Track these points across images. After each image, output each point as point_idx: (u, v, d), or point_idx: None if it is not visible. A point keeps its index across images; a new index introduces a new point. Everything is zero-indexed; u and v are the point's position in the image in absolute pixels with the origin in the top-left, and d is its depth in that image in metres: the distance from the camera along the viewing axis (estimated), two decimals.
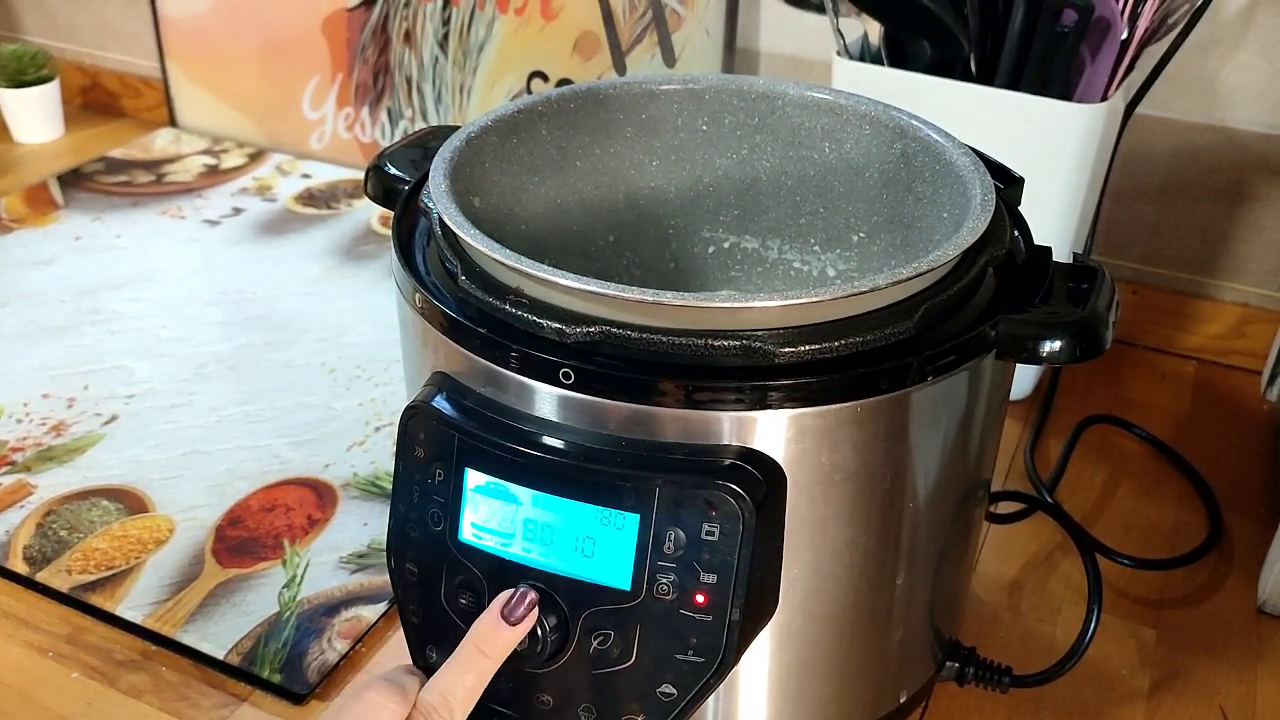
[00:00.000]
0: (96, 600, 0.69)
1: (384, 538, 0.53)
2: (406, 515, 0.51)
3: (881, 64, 0.79)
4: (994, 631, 0.67)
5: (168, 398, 0.87)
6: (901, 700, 0.57)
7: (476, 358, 0.48)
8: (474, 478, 0.48)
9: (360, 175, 1.09)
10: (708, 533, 0.45)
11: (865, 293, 0.44)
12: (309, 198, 1.17)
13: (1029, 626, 0.68)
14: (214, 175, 1.21)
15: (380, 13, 1.16)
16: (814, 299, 0.44)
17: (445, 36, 1.14)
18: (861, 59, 0.81)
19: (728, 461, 0.45)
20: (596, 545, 0.46)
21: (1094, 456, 0.82)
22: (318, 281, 1.02)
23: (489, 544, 0.49)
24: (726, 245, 0.66)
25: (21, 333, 0.94)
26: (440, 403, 0.49)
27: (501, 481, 0.47)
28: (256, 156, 1.25)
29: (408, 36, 1.16)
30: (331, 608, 0.68)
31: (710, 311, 0.44)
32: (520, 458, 0.47)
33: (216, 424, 0.84)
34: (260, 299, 0.99)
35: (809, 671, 0.53)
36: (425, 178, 0.53)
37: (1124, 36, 0.73)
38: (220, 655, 0.65)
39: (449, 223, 0.49)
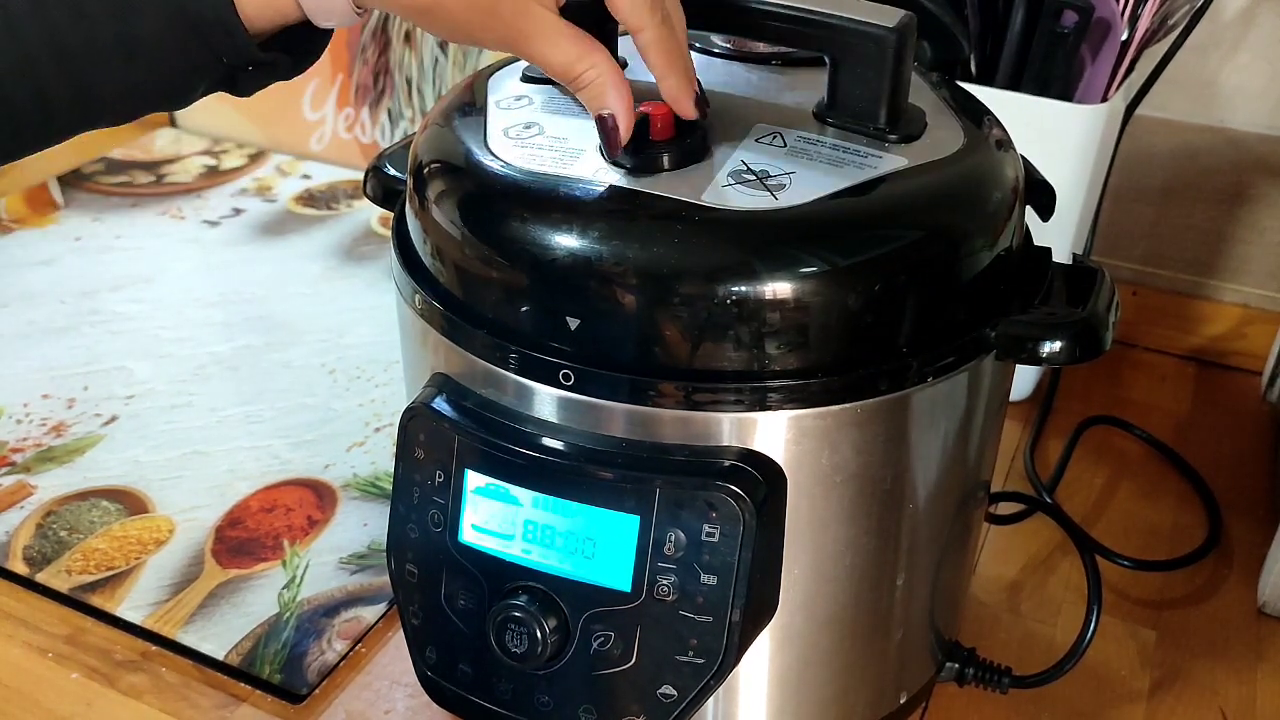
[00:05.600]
0: (96, 601, 0.69)
1: (384, 539, 0.53)
2: (406, 516, 0.51)
3: None
4: (994, 632, 0.67)
5: (168, 398, 0.87)
6: (901, 701, 0.57)
7: (476, 359, 0.48)
8: (474, 479, 0.48)
9: (360, 176, 1.09)
10: (708, 534, 0.45)
11: None
12: (309, 198, 1.17)
13: (1029, 627, 0.68)
14: (214, 176, 1.22)
15: (380, 14, 1.16)
16: None
17: None
18: None
19: (728, 463, 0.45)
20: (597, 547, 0.46)
21: (1094, 457, 0.82)
22: (317, 282, 1.02)
23: (489, 545, 0.49)
24: None
25: (21, 333, 0.94)
26: (440, 404, 0.49)
27: (501, 483, 0.47)
28: (256, 157, 1.25)
29: (408, 37, 1.16)
30: (331, 608, 0.68)
31: None
32: (520, 459, 0.47)
33: (216, 425, 0.84)
34: (260, 300, 0.99)
35: (809, 672, 0.53)
36: None
37: (1124, 37, 0.73)
38: (220, 656, 0.65)
39: None
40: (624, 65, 0.50)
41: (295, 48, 0.47)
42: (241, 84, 0.47)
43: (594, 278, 0.44)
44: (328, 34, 0.48)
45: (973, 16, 0.75)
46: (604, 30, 0.47)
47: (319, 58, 0.49)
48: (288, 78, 0.48)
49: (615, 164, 0.46)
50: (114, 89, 0.44)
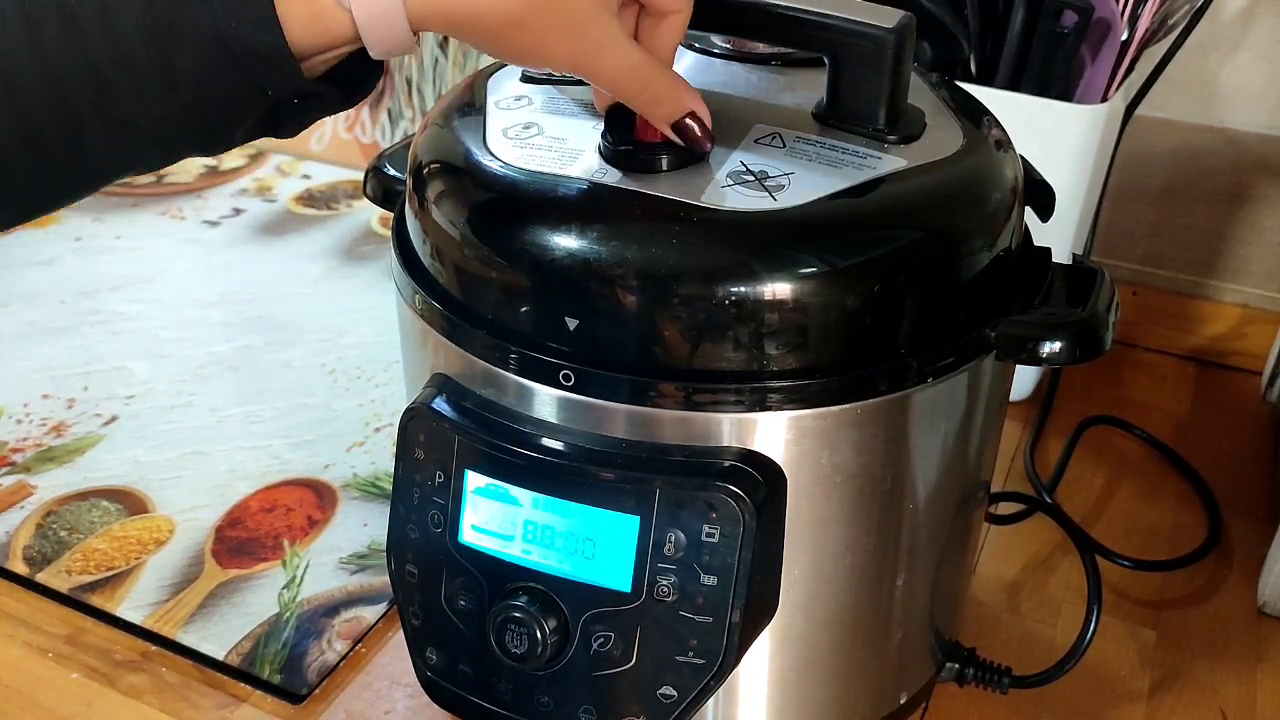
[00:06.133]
0: (96, 601, 0.69)
1: (384, 539, 0.53)
2: (406, 517, 0.51)
3: None
4: (994, 632, 0.67)
5: (168, 398, 0.87)
6: (902, 701, 0.57)
7: (476, 359, 0.48)
8: (474, 480, 0.48)
9: (360, 176, 1.09)
10: (708, 535, 0.45)
11: None
12: (309, 198, 1.17)
13: (1029, 627, 0.68)
14: (214, 176, 1.21)
15: None
16: None
17: (445, 37, 1.14)
18: None
19: (728, 463, 0.45)
20: (597, 547, 0.46)
21: (1094, 457, 0.82)
22: (317, 282, 1.02)
23: (489, 546, 0.49)
24: None
25: (21, 333, 0.94)
26: (440, 405, 0.49)
27: (501, 483, 0.47)
28: (256, 157, 1.25)
29: None
30: (331, 608, 0.68)
31: None
32: (520, 460, 0.47)
33: (216, 425, 0.84)
34: (260, 300, 0.99)
35: (809, 673, 0.53)
36: None
37: (1124, 37, 0.73)
38: (220, 656, 0.65)
39: None
40: None
41: (344, 80, 0.44)
42: (285, 120, 0.44)
43: (593, 278, 0.44)
44: (380, 64, 0.45)
45: (973, 16, 0.75)
46: None
47: (371, 91, 0.46)
48: (335, 112, 0.45)
49: (615, 165, 0.46)
50: (150, 117, 0.40)
